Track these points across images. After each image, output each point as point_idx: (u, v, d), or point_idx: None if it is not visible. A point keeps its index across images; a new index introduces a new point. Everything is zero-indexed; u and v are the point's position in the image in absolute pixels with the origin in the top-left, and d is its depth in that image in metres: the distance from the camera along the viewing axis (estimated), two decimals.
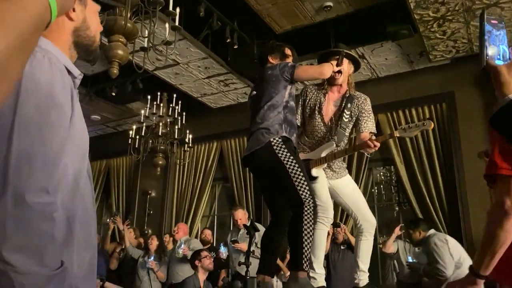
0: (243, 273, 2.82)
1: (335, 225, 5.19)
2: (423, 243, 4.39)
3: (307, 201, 2.49)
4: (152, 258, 5.44)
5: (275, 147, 2.57)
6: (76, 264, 0.99)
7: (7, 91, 0.55)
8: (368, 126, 3.08)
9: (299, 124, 3.12)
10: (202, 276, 4.75)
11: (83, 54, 1.19)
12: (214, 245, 6.02)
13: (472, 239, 5.04)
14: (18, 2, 0.57)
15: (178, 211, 7.37)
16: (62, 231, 0.95)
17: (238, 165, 6.91)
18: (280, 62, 2.84)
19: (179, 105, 5.88)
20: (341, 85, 3.12)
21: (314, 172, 3.00)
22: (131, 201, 7.91)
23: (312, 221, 2.50)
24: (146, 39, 3.40)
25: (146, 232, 7.01)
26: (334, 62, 2.92)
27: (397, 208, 6.52)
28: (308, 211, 2.49)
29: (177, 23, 3.32)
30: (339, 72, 3.03)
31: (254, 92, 2.90)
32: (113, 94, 6.42)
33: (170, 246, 6.09)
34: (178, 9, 3.27)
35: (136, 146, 5.94)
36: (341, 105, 3.10)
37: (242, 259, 4.54)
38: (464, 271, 1.89)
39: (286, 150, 2.56)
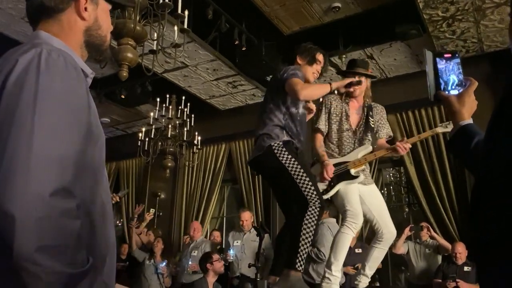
0: (251, 275, 2.82)
1: None
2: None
3: (313, 201, 2.48)
4: (164, 263, 5.47)
5: (276, 151, 2.57)
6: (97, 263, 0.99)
7: None
8: (386, 132, 3.31)
9: (324, 131, 3.14)
10: (211, 279, 4.72)
11: (94, 53, 1.19)
12: (223, 246, 6.03)
13: None
14: None
15: (187, 212, 7.38)
16: (85, 229, 0.96)
17: (246, 167, 6.91)
18: (289, 66, 2.80)
19: (188, 107, 5.91)
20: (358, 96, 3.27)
21: (353, 171, 3.04)
22: (140, 203, 7.95)
23: (315, 221, 2.47)
24: (155, 42, 3.42)
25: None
26: (334, 86, 2.85)
27: (407, 209, 6.49)
28: (312, 211, 2.47)
29: (185, 26, 3.34)
30: (356, 89, 3.16)
31: (265, 94, 2.93)
32: (123, 96, 6.46)
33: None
34: (186, 12, 3.28)
35: (146, 148, 5.97)
36: (363, 113, 3.24)
37: (248, 261, 4.56)
38: None
39: (287, 153, 2.55)
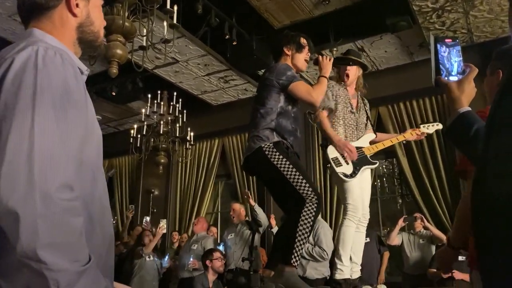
0: (246, 268, 2.83)
1: None
2: None
3: (309, 198, 2.49)
4: (167, 257, 5.49)
5: (267, 153, 2.58)
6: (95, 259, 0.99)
7: None
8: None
9: (333, 108, 3.19)
10: (211, 276, 4.70)
11: (88, 50, 1.19)
12: (218, 241, 6.04)
13: None
14: None
15: (182, 208, 7.38)
16: (85, 225, 0.96)
17: (240, 162, 6.89)
18: (281, 66, 2.77)
19: (180, 103, 5.89)
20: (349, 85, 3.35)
21: (369, 157, 3.17)
22: (134, 200, 7.93)
23: (312, 217, 2.49)
24: (145, 37, 3.40)
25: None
26: (327, 74, 2.87)
27: (400, 201, 6.53)
28: (310, 207, 2.48)
29: (175, 21, 3.31)
30: (347, 76, 3.27)
31: (256, 93, 2.92)
32: (114, 93, 6.42)
33: (177, 244, 6.13)
34: (175, 7, 3.26)
35: (138, 145, 5.95)
36: (358, 99, 3.34)
37: (241, 254, 4.58)
38: None
39: (278, 154, 2.57)
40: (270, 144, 2.60)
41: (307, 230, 2.46)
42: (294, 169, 2.53)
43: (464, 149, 1.22)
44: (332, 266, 3.14)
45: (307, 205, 2.48)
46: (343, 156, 3.04)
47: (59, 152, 0.89)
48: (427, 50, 5.54)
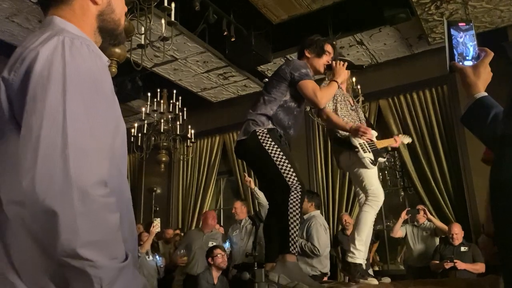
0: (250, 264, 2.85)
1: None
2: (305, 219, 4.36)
3: (294, 186, 2.55)
4: (160, 258, 5.51)
5: (260, 137, 2.63)
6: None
7: None
8: None
9: (332, 110, 3.21)
10: (216, 273, 4.72)
11: (108, 38, 1.15)
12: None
13: (479, 221, 5.04)
14: None
15: (184, 206, 7.39)
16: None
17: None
18: (299, 62, 2.82)
19: (180, 100, 5.88)
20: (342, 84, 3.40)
21: (380, 147, 3.22)
22: (136, 199, 7.94)
23: (299, 204, 2.55)
24: (143, 36, 3.39)
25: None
26: (339, 80, 2.90)
27: (402, 193, 6.53)
28: (295, 196, 2.54)
29: (173, 19, 3.31)
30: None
31: (266, 80, 2.95)
32: None
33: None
34: (173, 4, 3.25)
35: (139, 144, 5.95)
36: (352, 99, 3.40)
37: (245, 249, 4.58)
38: None
39: (270, 140, 2.62)
40: (264, 130, 2.64)
41: (297, 216, 2.53)
42: (284, 157, 2.58)
43: (482, 134, 1.18)
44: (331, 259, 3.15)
45: (293, 193, 2.53)
46: (364, 145, 3.06)
47: (93, 147, 0.86)
48: (426, 42, 5.53)
